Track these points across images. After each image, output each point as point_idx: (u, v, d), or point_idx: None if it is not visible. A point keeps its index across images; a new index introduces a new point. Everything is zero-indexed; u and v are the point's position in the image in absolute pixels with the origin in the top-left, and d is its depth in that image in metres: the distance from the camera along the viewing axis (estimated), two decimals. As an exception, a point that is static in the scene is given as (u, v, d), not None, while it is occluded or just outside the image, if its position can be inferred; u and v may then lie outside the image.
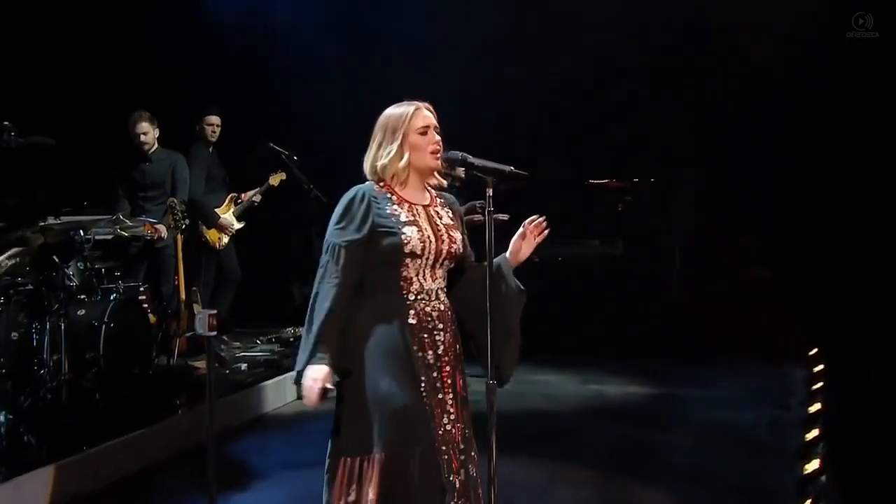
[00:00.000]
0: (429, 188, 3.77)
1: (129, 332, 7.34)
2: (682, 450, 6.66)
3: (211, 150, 9.09)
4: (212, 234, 9.00)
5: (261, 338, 9.77)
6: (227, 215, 9.09)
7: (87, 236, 7.26)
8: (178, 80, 10.00)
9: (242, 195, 9.21)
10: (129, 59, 9.87)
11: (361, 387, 3.53)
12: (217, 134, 9.05)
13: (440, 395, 3.60)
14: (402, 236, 3.57)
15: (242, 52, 10.84)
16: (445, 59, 10.47)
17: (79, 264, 7.28)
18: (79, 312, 7.10)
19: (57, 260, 6.96)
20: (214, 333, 5.82)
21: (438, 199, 3.78)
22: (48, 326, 6.67)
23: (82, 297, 7.24)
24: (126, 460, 6.18)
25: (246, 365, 8.52)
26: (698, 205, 11.85)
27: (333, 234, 3.61)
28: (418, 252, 3.58)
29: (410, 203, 3.68)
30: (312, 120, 10.58)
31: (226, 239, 9.06)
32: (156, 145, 8.52)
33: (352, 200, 3.62)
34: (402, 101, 3.78)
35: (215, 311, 5.23)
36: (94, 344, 7.01)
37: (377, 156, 3.70)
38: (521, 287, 3.74)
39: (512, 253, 3.74)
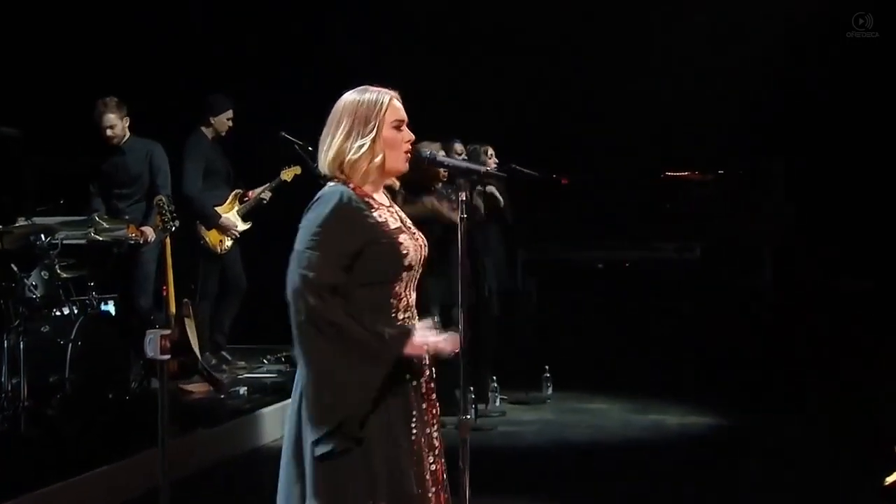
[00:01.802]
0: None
1: (102, 352, 7.10)
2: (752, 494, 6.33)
3: (213, 141, 8.66)
4: (212, 237, 8.61)
5: (268, 356, 9.46)
6: (231, 215, 8.70)
7: (54, 241, 7.05)
8: (170, 56, 9.92)
9: (249, 192, 8.80)
10: (105, 31, 9.75)
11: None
12: (229, 128, 8.78)
13: (427, 430, 3.50)
14: (400, 246, 3.43)
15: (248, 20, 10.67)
16: (489, 50, 10.50)
17: (43, 273, 7.02)
18: (42, 329, 6.91)
19: (16, 269, 6.79)
20: (167, 357, 5.49)
21: (385, 193, 3.64)
22: (5, 345, 6.52)
23: (47, 311, 7.03)
24: (95, 498, 5.94)
25: (245, 389, 8.17)
26: (790, 201, 11.48)
27: (317, 252, 3.35)
28: (414, 263, 3.46)
29: (384, 206, 3.52)
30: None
31: (229, 242, 8.69)
32: (127, 134, 8.17)
33: (334, 210, 3.37)
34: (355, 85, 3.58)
35: (168, 332, 4.82)
36: (59, 365, 6.79)
37: (344, 148, 3.45)
38: None
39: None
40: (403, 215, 3.59)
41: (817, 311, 10.55)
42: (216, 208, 8.67)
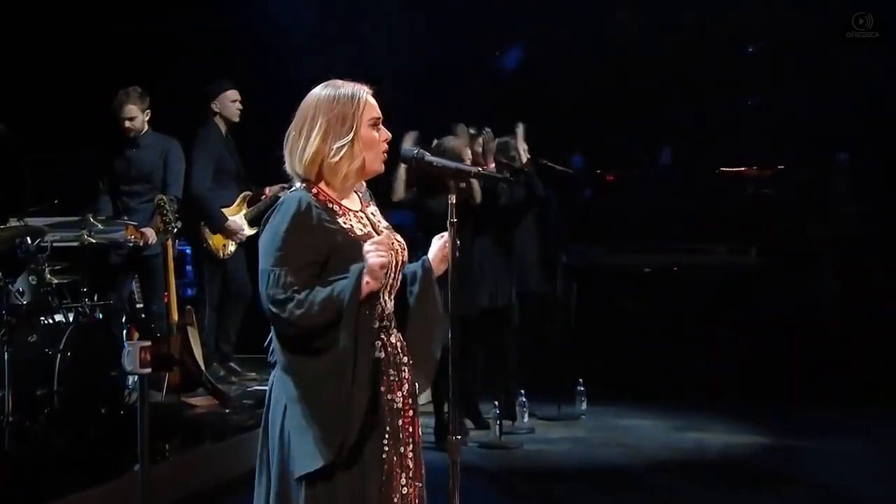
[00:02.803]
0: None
1: (94, 362, 6.96)
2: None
3: (226, 135, 8.52)
4: (216, 240, 8.43)
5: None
6: (237, 218, 8.52)
7: (43, 244, 6.95)
8: (184, 43, 9.86)
9: (266, 190, 8.54)
10: (119, 19, 9.69)
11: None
12: (239, 112, 8.58)
13: (401, 448, 3.47)
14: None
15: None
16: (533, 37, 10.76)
17: (30, 278, 6.92)
18: (29, 339, 6.79)
19: (0, 274, 6.65)
20: (148, 371, 5.36)
21: (359, 194, 3.61)
22: (-12, 356, 6.40)
23: (35, 318, 6.91)
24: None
25: (254, 401, 7.98)
26: (857, 199, 11.42)
27: (282, 263, 3.32)
28: (387, 271, 3.41)
29: (352, 211, 3.51)
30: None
31: (232, 247, 8.50)
32: (146, 128, 8.04)
33: (295, 216, 3.34)
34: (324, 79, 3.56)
35: (149, 343, 4.67)
36: (46, 378, 6.66)
37: (322, 149, 3.41)
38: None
39: (437, 258, 3.59)
40: (377, 218, 3.57)
41: (886, 321, 10.32)
42: (223, 210, 8.47)
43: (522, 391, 8.27)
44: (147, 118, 8.03)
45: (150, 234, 7.76)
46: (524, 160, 8.23)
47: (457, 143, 7.62)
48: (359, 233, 3.42)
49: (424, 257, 3.58)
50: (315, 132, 3.39)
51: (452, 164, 3.65)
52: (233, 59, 10.14)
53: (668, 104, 11.16)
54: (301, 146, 3.41)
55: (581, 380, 8.77)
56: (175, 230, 7.69)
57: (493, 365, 8.32)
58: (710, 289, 10.92)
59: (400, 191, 7.63)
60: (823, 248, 11.32)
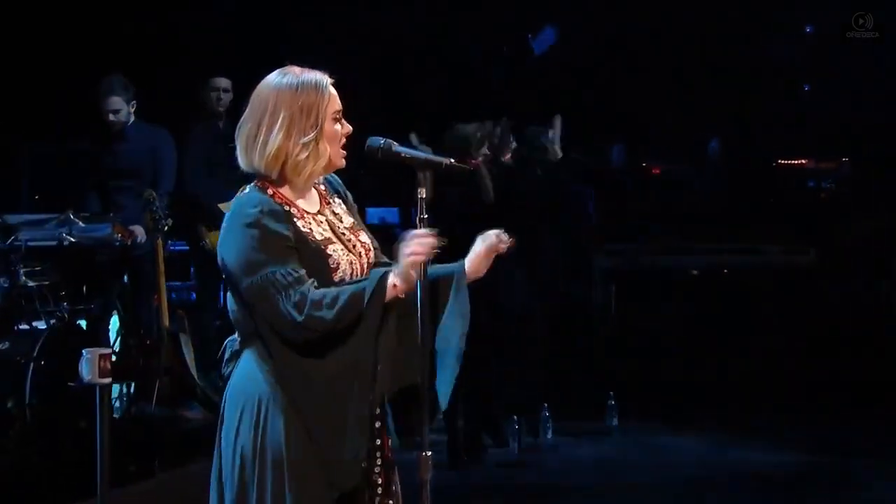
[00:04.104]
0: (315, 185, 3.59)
1: (72, 373, 6.56)
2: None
3: (222, 126, 8.49)
4: (213, 239, 8.28)
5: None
6: (235, 215, 8.38)
7: (17, 243, 6.87)
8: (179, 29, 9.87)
9: None
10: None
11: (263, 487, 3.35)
12: (225, 103, 8.48)
13: (366, 463, 3.42)
14: (329, 259, 3.40)
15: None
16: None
17: (2, 281, 6.87)
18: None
19: (-35, 277, 6.76)
20: (108, 381, 5.22)
21: (322, 187, 3.58)
22: (-46, 367, 6.52)
23: (5, 325, 6.87)
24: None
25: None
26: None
27: (270, 264, 3.29)
28: (347, 278, 3.41)
29: (310, 213, 3.47)
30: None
31: (231, 247, 8.34)
32: (132, 119, 7.96)
33: (259, 214, 3.31)
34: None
35: (109, 351, 4.71)
36: (18, 389, 6.57)
37: (286, 146, 3.37)
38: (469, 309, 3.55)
39: (472, 270, 3.56)
40: (332, 218, 3.52)
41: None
42: (220, 206, 8.33)
43: (546, 405, 8.15)
44: (133, 109, 7.94)
45: (139, 232, 7.67)
46: (558, 154, 8.25)
47: (469, 129, 7.57)
48: (318, 237, 3.39)
49: (461, 261, 3.56)
50: (277, 126, 3.35)
51: (422, 155, 3.57)
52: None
53: (715, 90, 11.17)
54: (262, 140, 3.36)
55: (612, 392, 8.64)
56: (166, 228, 7.61)
57: (514, 376, 8.23)
58: (763, 293, 10.87)
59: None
60: (888, 248, 11.17)
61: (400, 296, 3.28)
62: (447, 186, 6.91)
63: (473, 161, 7.29)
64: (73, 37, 9.48)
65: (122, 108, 7.83)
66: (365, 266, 3.46)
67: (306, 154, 3.37)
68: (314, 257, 3.35)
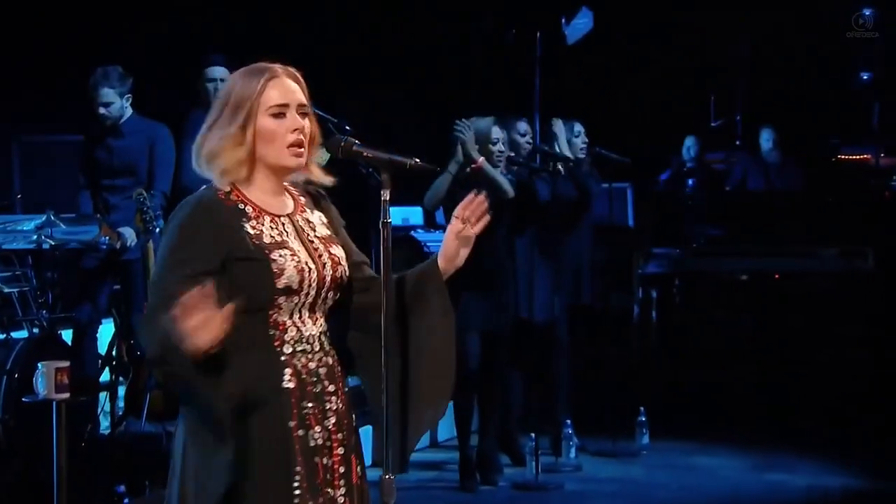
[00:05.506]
0: (289, 188, 3.57)
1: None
2: None
3: None
4: (211, 238, 8.18)
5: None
6: (235, 213, 8.26)
7: None
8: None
9: None
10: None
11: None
12: (216, 91, 8.30)
13: (329, 491, 3.41)
14: (273, 265, 3.36)
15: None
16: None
17: None
18: None
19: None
20: (65, 397, 5.13)
21: (302, 199, 3.58)
22: (-78, 379, 6.56)
23: None
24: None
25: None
26: None
27: (168, 270, 3.34)
28: (295, 286, 3.38)
29: (272, 215, 3.45)
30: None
31: (229, 248, 8.22)
32: (127, 113, 7.82)
33: (189, 217, 3.37)
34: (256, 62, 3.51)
35: (66, 364, 4.78)
36: None
37: (203, 140, 3.42)
38: (450, 308, 3.59)
39: (447, 258, 3.57)
40: (301, 225, 3.49)
41: None
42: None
43: (570, 421, 7.97)
44: (128, 103, 7.81)
45: (129, 234, 7.53)
46: (570, 154, 8.11)
47: (485, 123, 7.48)
48: (267, 240, 3.36)
49: (434, 254, 3.59)
50: (210, 118, 3.41)
51: (384, 155, 3.53)
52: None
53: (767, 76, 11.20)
54: (198, 141, 3.42)
55: (643, 408, 8.48)
56: (158, 230, 7.37)
57: (537, 390, 8.15)
58: (817, 300, 10.67)
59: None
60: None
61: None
62: (462, 189, 6.84)
63: (474, 164, 7.23)
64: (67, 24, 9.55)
65: (114, 102, 7.67)
66: (327, 278, 3.43)
67: (219, 146, 3.38)
68: (255, 260, 3.33)
